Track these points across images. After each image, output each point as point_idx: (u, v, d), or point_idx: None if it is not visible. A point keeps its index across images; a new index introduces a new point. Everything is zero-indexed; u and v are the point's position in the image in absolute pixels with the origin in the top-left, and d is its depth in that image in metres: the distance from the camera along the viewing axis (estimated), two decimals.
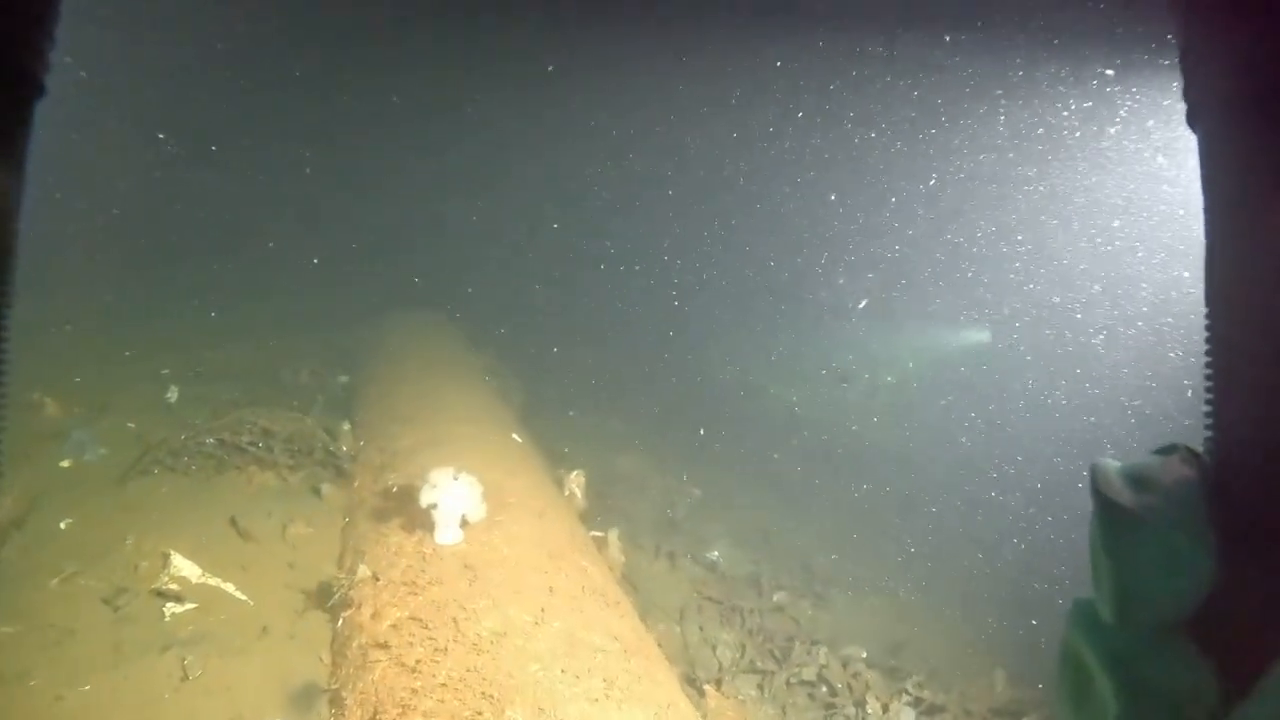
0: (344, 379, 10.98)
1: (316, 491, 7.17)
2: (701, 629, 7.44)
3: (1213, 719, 0.94)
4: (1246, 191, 0.99)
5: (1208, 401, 1.06)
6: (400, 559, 5.25)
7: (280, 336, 12.36)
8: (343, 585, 5.00)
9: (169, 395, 9.57)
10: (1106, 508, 1.06)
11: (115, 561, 5.65)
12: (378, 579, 5.10)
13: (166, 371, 10.38)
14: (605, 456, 12.01)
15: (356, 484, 7.30)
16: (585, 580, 5.18)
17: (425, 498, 5.20)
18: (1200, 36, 1.05)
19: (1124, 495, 1.06)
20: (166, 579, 5.48)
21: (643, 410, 15.78)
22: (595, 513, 8.49)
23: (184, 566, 5.59)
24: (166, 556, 5.65)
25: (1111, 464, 1.13)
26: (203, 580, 5.56)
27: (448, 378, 9.57)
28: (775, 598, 8.88)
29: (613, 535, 7.09)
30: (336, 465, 7.64)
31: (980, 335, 20.36)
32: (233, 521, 6.42)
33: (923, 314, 20.22)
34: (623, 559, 7.19)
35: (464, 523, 5.31)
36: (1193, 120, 1.10)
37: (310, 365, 10.80)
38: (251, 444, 7.47)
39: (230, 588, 5.56)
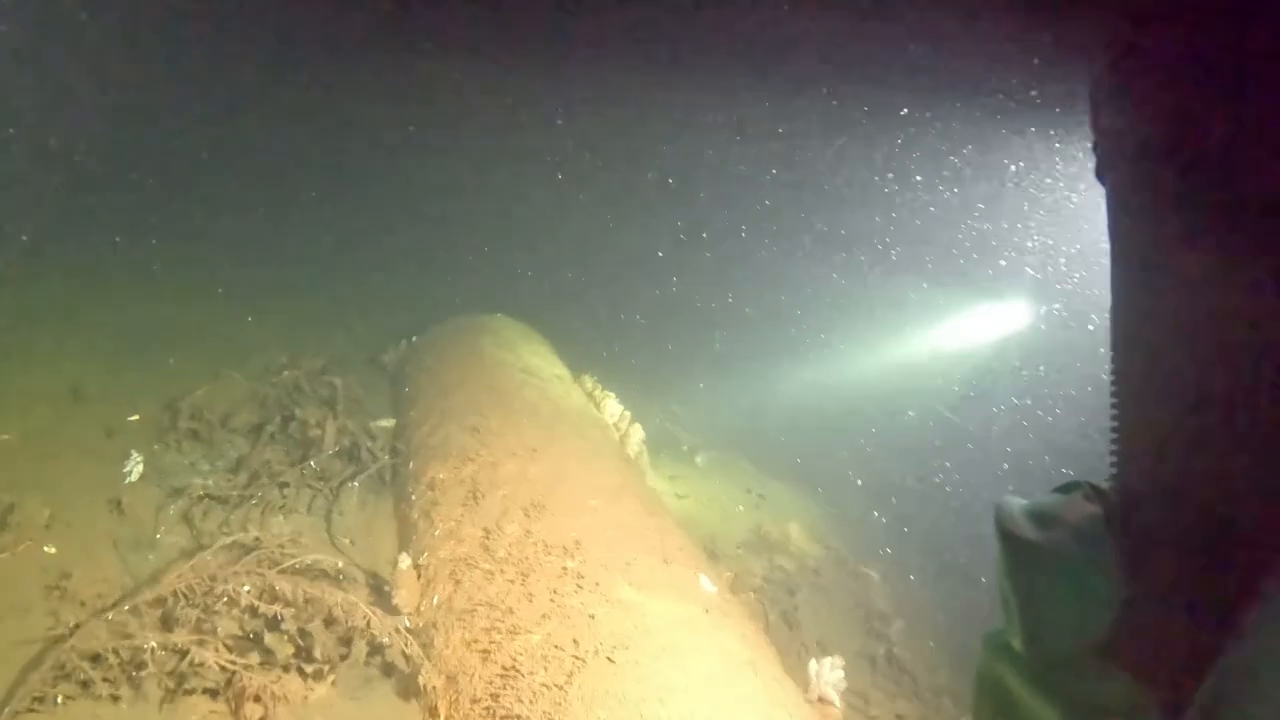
0: (387, 424, 7.47)
1: None
2: None
3: None
4: (1149, 242, 1.03)
5: (1112, 440, 1.08)
6: None
7: (297, 352, 8.80)
8: None
9: (128, 468, 6.13)
10: (1013, 545, 1.08)
11: None
12: None
13: (135, 418, 6.93)
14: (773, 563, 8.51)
15: (444, 715, 3.83)
16: None
17: None
18: (1111, 93, 1.08)
19: (1030, 532, 1.07)
20: None
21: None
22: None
23: None
24: None
25: (1016, 502, 1.14)
26: None
27: (564, 446, 5.99)
28: None
29: None
30: (392, 663, 4.15)
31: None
32: None
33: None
34: None
35: None
36: (1101, 173, 1.12)
37: (338, 406, 7.26)
38: (234, 636, 3.98)
39: None
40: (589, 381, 8.71)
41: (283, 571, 4.51)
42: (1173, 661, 0.95)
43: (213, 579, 4.17)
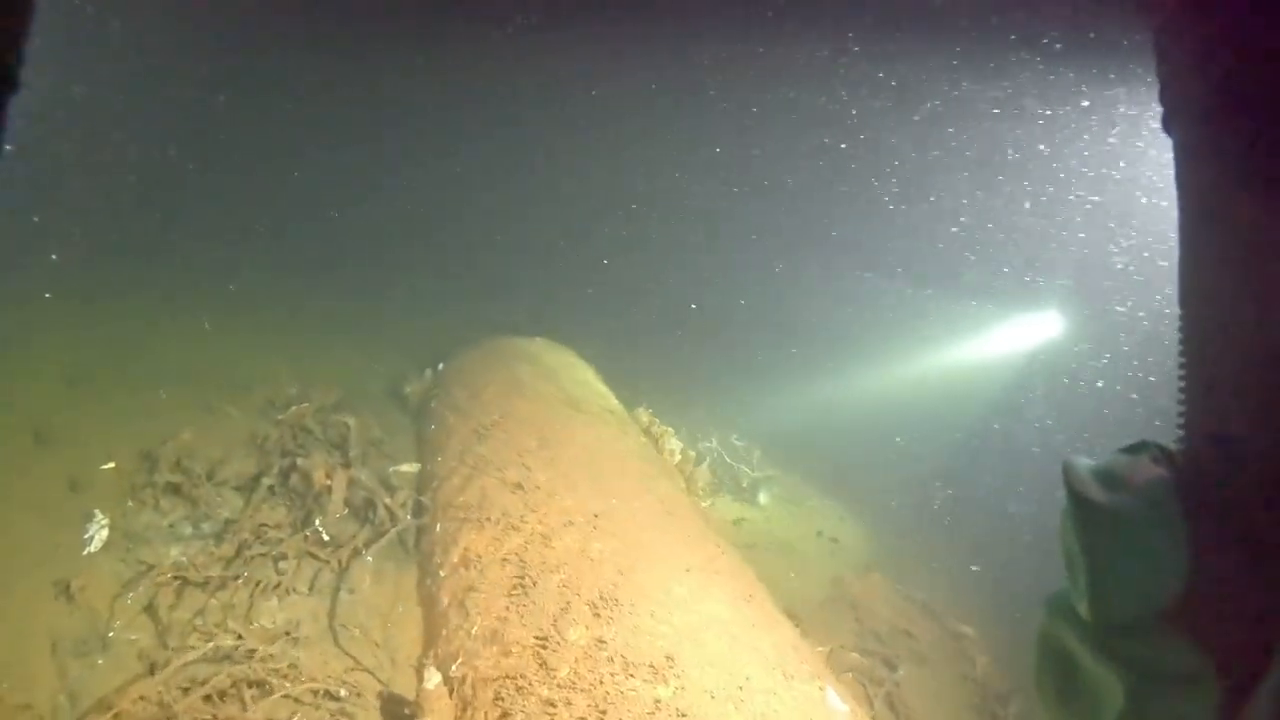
0: (409, 469, 6.21)
1: None
2: None
3: (1210, 701, 0.92)
4: (1219, 194, 0.99)
5: (1180, 400, 1.04)
6: None
7: (307, 383, 7.62)
8: None
9: (89, 534, 4.94)
10: (1082, 506, 1.05)
11: None
12: None
13: (110, 465, 5.75)
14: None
15: None
16: None
17: None
18: (1175, 42, 1.05)
19: (1099, 494, 1.04)
20: None
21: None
22: None
23: None
24: None
25: (1084, 462, 1.11)
26: None
27: (632, 508, 4.70)
28: None
29: None
30: None
31: None
32: None
33: None
34: None
35: None
36: (1168, 125, 1.08)
37: (351, 452, 6.01)
38: None
39: None
40: (645, 415, 7.43)
41: (264, 694, 3.24)
42: (1238, 632, 0.91)
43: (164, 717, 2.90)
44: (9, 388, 6.45)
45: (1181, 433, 1.04)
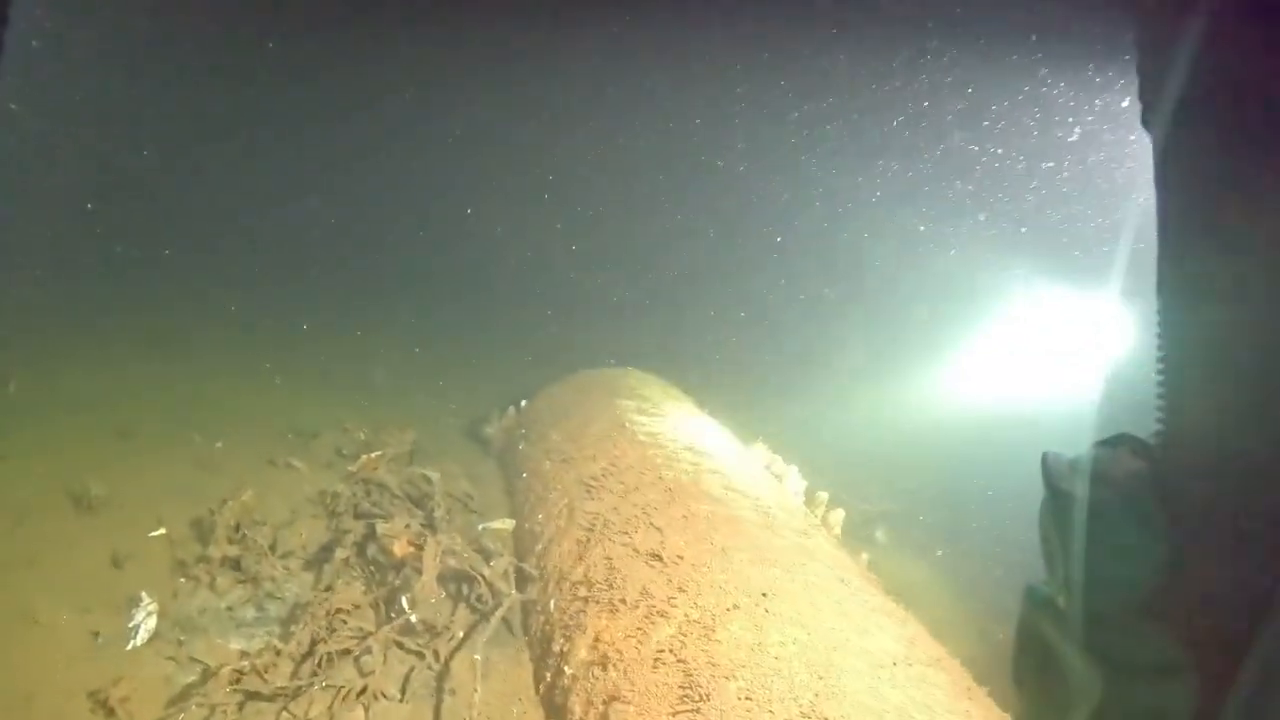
0: (502, 527, 5.24)
1: None
2: None
3: (1187, 692, 0.92)
4: (1198, 192, 1.00)
5: (1159, 396, 1.03)
6: None
7: (377, 427, 6.77)
8: None
9: (135, 622, 4.08)
10: (1060, 500, 1.06)
11: None
12: None
13: (160, 532, 4.93)
14: None
15: None
16: None
17: None
18: (1154, 38, 1.05)
19: (1077, 488, 1.05)
20: None
21: None
22: None
23: None
24: None
25: (1062, 456, 1.11)
26: None
27: (801, 581, 3.65)
28: None
29: None
30: None
31: None
32: None
33: None
34: None
35: None
36: (1147, 122, 1.07)
37: (437, 512, 5.08)
38: None
39: None
40: (764, 452, 6.38)
41: None
42: (1215, 624, 0.91)
43: None
44: (55, 438, 5.71)
45: (1159, 426, 1.02)
